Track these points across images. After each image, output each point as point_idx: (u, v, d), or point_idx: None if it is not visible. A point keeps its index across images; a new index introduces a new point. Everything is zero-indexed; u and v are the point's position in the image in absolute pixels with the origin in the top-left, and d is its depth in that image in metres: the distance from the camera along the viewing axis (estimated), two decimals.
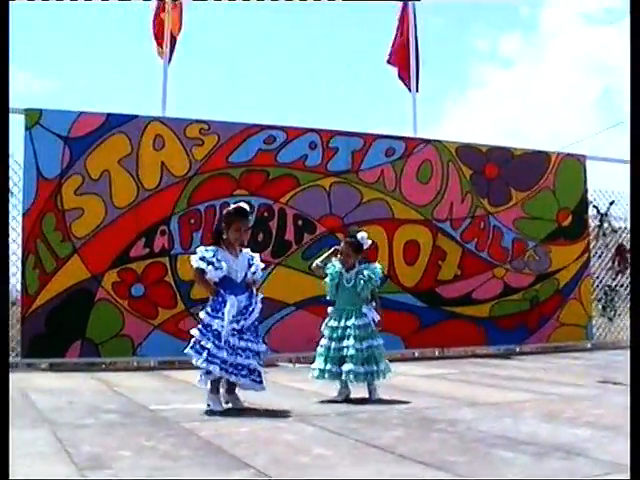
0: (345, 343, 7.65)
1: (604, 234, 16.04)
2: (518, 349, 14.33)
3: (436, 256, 13.50)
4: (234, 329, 6.83)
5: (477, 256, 13.83)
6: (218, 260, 6.98)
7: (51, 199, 11.26)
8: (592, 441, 5.22)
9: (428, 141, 13.77)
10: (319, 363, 7.75)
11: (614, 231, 16.04)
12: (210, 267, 6.97)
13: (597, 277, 15.55)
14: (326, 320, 7.92)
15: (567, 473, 4.34)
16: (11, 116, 11.11)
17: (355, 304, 7.79)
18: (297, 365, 12.17)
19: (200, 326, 7.00)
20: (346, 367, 7.55)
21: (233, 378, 6.88)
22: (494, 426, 5.99)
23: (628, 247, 15.05)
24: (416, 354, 13.57)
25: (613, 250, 15.93)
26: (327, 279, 7.92)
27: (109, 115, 11.73)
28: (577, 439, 5.35)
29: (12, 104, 11.06)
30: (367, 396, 7.67)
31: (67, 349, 11.24)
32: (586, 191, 15.12)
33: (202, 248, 7.16)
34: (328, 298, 7.99)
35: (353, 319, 7.70)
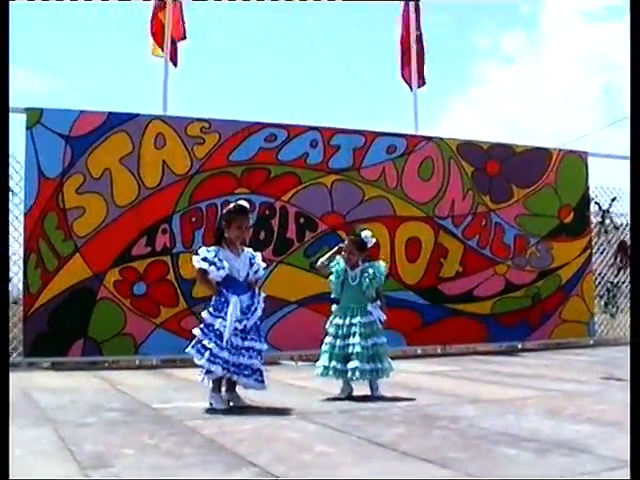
0: (351, 340, 7.65)
1: (606, 231, 16.03)
2: (520, 346, 14.33)
3: (438, 253, 13.49)
4: (237, 329, 6.83)
5: (479, 253, 13.83)
6: (220, 260, 6.98)
7: (52, 198, 11.27)
8: (595, 437, 5.22)
9: (429, 138, 13.77)
10: (324, 360, 7.75)
11: (616, 228, 16.03)
12: (212, 267, 6.96)
13: (599, 274, 15.54)
14: (331, 318, 7.92)
15: (570, 469, 4.34)
16: (12, 115, 11.13)
17: (360, 302, 7.80)
18: (299, 363, 12.18)
19: (202, 326, 7.00)
20: (352, 364, 7.55)
21: (235, 377, 6.89)
22: (496, 423, 5.99)
23: (630, 244, 15.05)
24: (418, 351, 13.58)
25: (615, 247, 15.92)
26: (332, 277, 7.92)
27: (110, 114, 11.73)
28: (580, 435, 5.35)
29: (13, 103, 11.08)
30: (369, 393, 7.67)
31: (69, 348, 11.25)
32: (588, 188, 15.11)
33: (204, 249, 7.15)
34: (333, 296, 7.99)
35: (359, 317, 7.71)
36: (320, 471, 4.36)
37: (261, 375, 7.03)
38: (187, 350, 7.01)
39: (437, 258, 13.49)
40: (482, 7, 56.93)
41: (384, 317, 7.89)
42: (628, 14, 5.36)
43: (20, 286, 11.42)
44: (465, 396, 7.73)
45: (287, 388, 8.58)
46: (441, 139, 13.86)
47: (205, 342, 6.84)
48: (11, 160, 11.39)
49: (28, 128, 11.29)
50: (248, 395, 7.09)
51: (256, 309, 7.07)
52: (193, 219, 11.92)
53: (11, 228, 11.35)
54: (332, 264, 7.93)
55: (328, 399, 7.55)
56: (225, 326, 6.78)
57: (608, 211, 16.03)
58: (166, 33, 12.88)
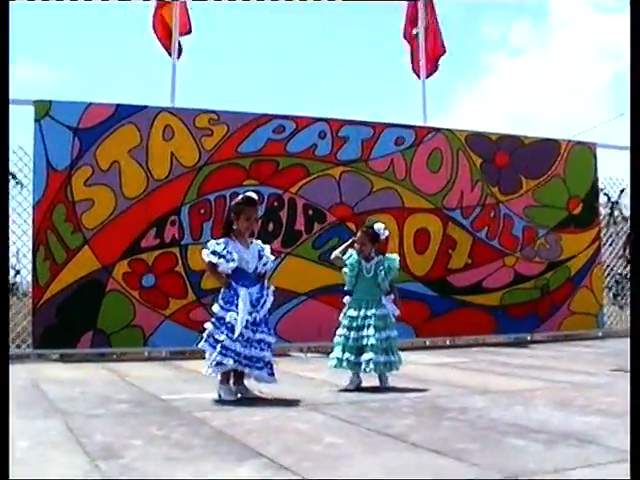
0: (365, 333, 7.65)
1: (615, 222, 16.00)
2: (529, 337, 14.31)
3: (446, 245, 13.48)
4: (247, 321, 6.83)
5: (488, 244, 13.81)
6: (229, 252, 6.98)
7: (61, 190, 11.28)
8: (604, 429, 5.21)
9: (438, 130, 13.74)
10: (337, 352, 7.76)
11: (625, 219, 15.98)
12: (222, 260, 6.96)
13: (608, 265, 15.50)
14: (344, 310, 7.91)
15: (579, 461, 4.33)
16: (20, 108, 11.19)
17: (374, 294, 7.81)
18: (308, 355, 12.19)
19: (214, 319, 6.99)
20: (366, 356, 7.56)
21: (247, 370, 6.88)
22: (505, 414, 5.99)
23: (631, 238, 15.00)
24: (427, 343, 13.58)
25: (624, 238, 15.88)
26: (347, 269, 7.91)
27: (118, 106, 11.73)
28: (589, 427, 5.34)
29: (21, 96, 11.14)
30: (378, 385, 7.68)
31: (78, 340, 11.27)
32: (596, 179, 15.07)
33: (213, 241, 7.15)
34: (346, 288, 7.98)
35: (373, 309, 7.72)
36: (329, 462, 4.36)
37: (272, 368, 7.03)
38: (199, 345, 7.01)
39: (446, 249, 13.48)
40: None
41: (397, 312, 7.90)
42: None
43: (29, 278, 11.43)
44: (474, 387, 7.73)
45: (296, 379, 8.58)
46: (450, 130, 13.83)
47: (216, 335, 6.84)
48: (20, 152, 11.45)
49: (36, 120, 11.30)
50: (257, 387, 7.09)
51: (265, 302, 7.07)
52: (202, 211, 11.92)
53: (20, 220, 11.41)
54: (346, 256, 7.93)
55: (337, 390, 7.55)
56: (236, 319, 6.78)
57: (617, 202, 16.00)
58: (174, 25, 12.86)
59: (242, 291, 6.91)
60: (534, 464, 4.25)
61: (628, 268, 15.77)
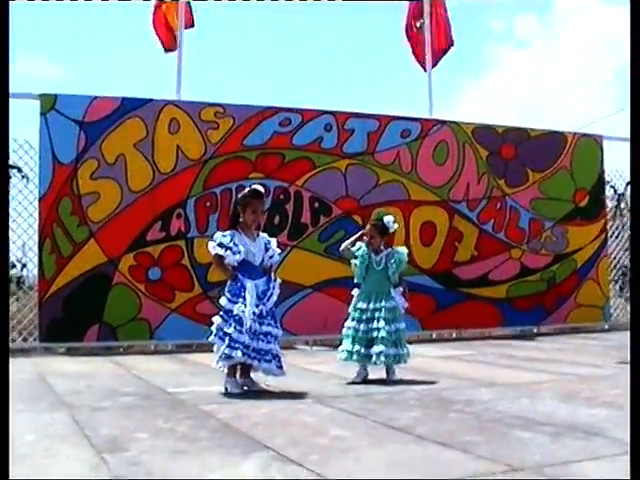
0: (375, 325, 7.66)
1: (621, 214, 15.96)
2: (535, 330, 14.30)
3: (452, 237, 13.46)
4: (254, 314, 6.82)
5: (494, 237, 13.79)
6: (235, 244, 6.98)
7: (67, 184, 11.28)
8: (610, 421, 5.21)
9: (444, 122, 13.72)
10: (347, 344, 7.76)
11: None
12: (228, 252, 6.96)
13: (614, 258, 15.47)
14: (353, 302, 7.91)
15: (585, 453, 4.33)
16: (26, 102, 11.21)
17: (384, 287, 7.81)
18: (314, 348, 12.19)
19: (222, 313, 6.99)
20: (377, 349, 7.56)
21: (256, 363, 6.87)
22: (512, 406, 6.00)
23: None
24: (433, 336, 13.57)
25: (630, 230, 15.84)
26: (357, 261, 7.89)
27: (124, 99, 11.73)
28: (595, 419, 5.34)
29: (27, 90, 11.16)
30: (384, 377, 7.68)
31: (85, 333, 11.28)
32: (603, 171, 15.02)
33: (219, 234, 7.15)
34: (356, 280, 7.97)
35: (383, 302, 7.72)
36: (335, 455, 4.36)
37: (280, 361, 7.03)
38: (210, 339, 7.01)
39: (452, 242, 13.46)
40: None
41: (406, 304, 7.91)
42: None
43: (35, 272, 11.45)
44: (480, 380, 7.74)
45: (302, 372, 8.58)
46: (456, 123, 13.81)
47: (225, 328, 6.84)
48: (25, 146, 11.46)
49: (42, 114, 11.29)
50: (264, 380, 7.10)
51: (272, 294, 7.07)
52: (207, 204, 11.91)
53: (26, 214, 11.43)
54: (355, 248, 7.92)
55: (343, 383, 7.56)
56: (244, 311, 6.78)
57: (623, 194, 15.95)
58: (179, 19, 12.88)
59: (249, 283, 6.92)
60: (540, 456, 4.25)
61: None
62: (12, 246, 11.51)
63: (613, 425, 5.02)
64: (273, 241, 7.36)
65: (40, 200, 11.22)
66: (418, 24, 14.54)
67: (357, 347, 7.66)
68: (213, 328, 6.97)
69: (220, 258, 7.02)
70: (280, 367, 7.02)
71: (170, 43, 13.40)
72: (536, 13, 69.41)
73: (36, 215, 11.26)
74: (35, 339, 11.26)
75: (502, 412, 5.71)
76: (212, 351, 7.09)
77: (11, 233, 11.38)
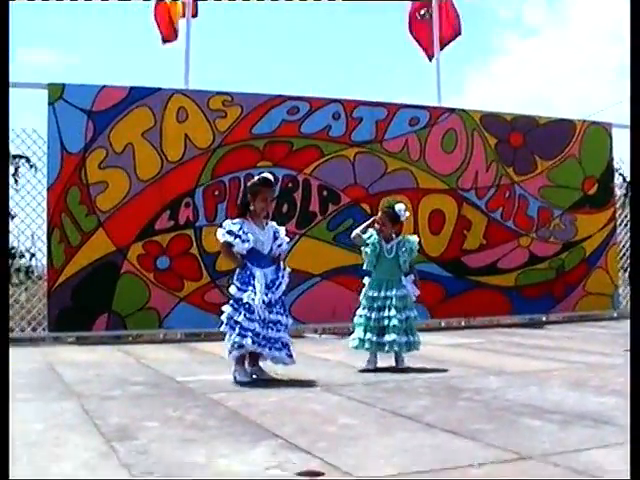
0: (386, 313, 7.65)
1: (630, 202, 15.91)
2: (544, 318, 14.28)
3: (461, 225, 13.44)
4: (263, 302, 6.82)
5: (502, 225, 13.76)
6: (245, 232, 6.97)
7: (75, 173, 11.28)
8: (619, 409, 5.20)
9: (452, 110, 13.69)
10: (359, 333, 7.75)
11: None
12: (237, 240, 6.96)
13: (623, 246, 15.42)
14: (364, 290, 7.89)
15: (594, 441, 4.33)
16: (34, 91, 11.25)
17: (394, 275, 7.81)
18: (323, 336, 12.20)
19: (231, 301, 7.00)
20: (389, 337, 7.56)
21: (266, 351, 6.87)
22: (520, 395, 6.00)
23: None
24: (442, 324, 13.58)
25: None
26: (368, 249, 7.87)
27: (132, 88, 11.72)
28: (604, 407, 5.34)
29: (35, 79, 11.15)
30: (393, 365, 7.68)
31: (94, 322, 11.30)
32: (612, 159, 14.96)
33: (228, 221, 7.15)
34: (366, 268, 7.95)
35: (394, 290, 7.71)
36: (344, 442, 4.37)
37: (289, 350, 7.03)
38: (221, 329, 7.01)
39: (460, 230, 13.44)
40: None
41: (418, 292, 7.91)
42: None
43: (44, 261, 11.46)
44: (489, 368, 7.73)
45: (311, 361, 8.57)
46: (464, 111, 13.77)
47: (235, 317, 6.84)
48: (34, 135, 11.47)
49: (50, 103, 11.29)
50: (272, 368, 7.10)
51: (280, 283, 7.07)
52: (216, 192, 11.91)
53: (34, 203, 11.44)
54: (366, 235, 7.90)
55: (357, 371, 7.57)
56: (254, 299, 6.78)
57: None
58: (187, 7, 12.89)
59: (257, 272, 6.92)
60: (549, 444, 4.25)
61: None
62: (21, 236, 11.53)
63: (622, 413, 5.00)
64: (282, 230, 7.36)
65: (48, 190, 11.23)
66: (422, 12, 14.50)
67: (369, 335, 7.65)
68: (223, 317, 6.97)
69: (229, 246, 7.02)
70: (290, 356, 7.02)
71: (170, 34, 13.41)
72: (545, 0, 69.19)
73: (44, 205, 11.27)
74: (44, 329, 11.29)
75: (511, 400, 5.71)
76: (221, 340, 7.11)
77: (20, 223, 11.43)
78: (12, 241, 11.45)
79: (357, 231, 7.98)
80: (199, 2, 13.30)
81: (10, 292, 11.38)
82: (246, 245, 6.95)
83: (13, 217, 11.31)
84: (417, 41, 14.65)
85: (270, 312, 6.87)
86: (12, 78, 10.74)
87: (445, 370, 7.60)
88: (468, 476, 3.69)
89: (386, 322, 7.62)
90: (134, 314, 11.45)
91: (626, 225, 15.20)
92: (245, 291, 6.86)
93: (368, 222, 8.02)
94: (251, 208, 7.14)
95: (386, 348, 7.60)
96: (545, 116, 14.53)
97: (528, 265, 13.95)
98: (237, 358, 6.93)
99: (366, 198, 12.61)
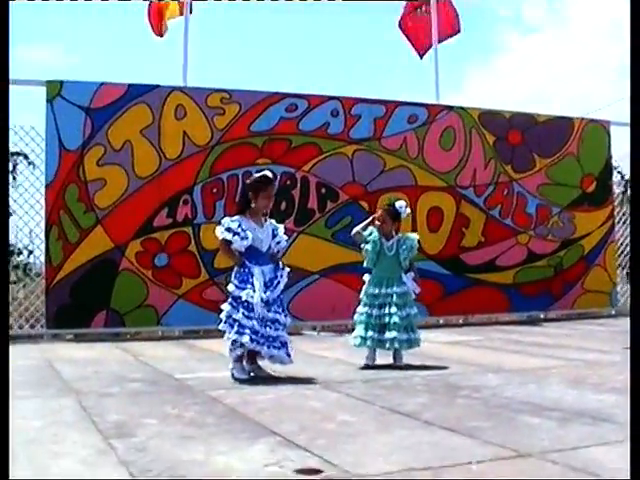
0: (387, 310, 7.66)
1: (629, 200, 15.91)
2: (542, 316, 14.29)
3: (459, 223, 13.44)
4: (261, 300, 6.82)
5: (501, 223, 13.76)
6: (243, 230, 6.96)
7: (73, 170, 11.28)
8: (618, 407, 5.20)
9: (451, 108, 13.69)
10: (360, 330, 7.75)
11: None
12: (236, 237, 6.95)
13: (622, 244, 15.42)
14: (365, 287, 7.89)
15: (593, 438, 4.33)
16: (32, 88, 11.25)
17: (395, 272, 7.80)
18: (321, 333, 12.19)
19: (230, 299, 6.99)
20: (390, 334, 7.57)
21: (265, 350, 6.86)
22: (519, 392, 6.00)
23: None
24: (440, 321, 13.56)
25: None
26: (368, 246, 7.86)
27: (130, 86, 11.72)
28: (603, 405, 5.34)
29: (33, 76, 11.16)
30: (392, 362, 7.68)
31: (92, 319, 11.30)
32: (610, 157, 14.96)
33: (227, 219, 7.14)
34: (366, 265, 7.95)
35: (394, 287, 7.71)
36: (342, 440, 4.36)
37: (288, 349, 7.03)
38: (220, 327, 7.01)
39: (459, 228, 13.44)
40: None
41: (418, 289, 7.91)
42: None
43: (42, 258, 11.45)
44: (488, 365, 7.74)
45: (309, 358, 8.58)
46: (462, 108, 13.78)
47: (234, 315, 6.84)
48: (32, 133, 11.45)
49: (48, 101, 11.28)
50: (271, 366, 7.09)
51: (279, 282, 7.06)
52: (214, 190, 11.91)
53: (32, 200, 11.44)
54: (366, 232, 7.89)
55: (358, 368, 7.57)
56: (252, 296, 6.78)
57: None
58: (186, 3, 12.91)
59: (256, 269, 6.92)
60: (548, 442, 4.25)
61: None
62: (19, 233, 11.53)
63: (621, 411, 5.00)
64: (280, 227, 7.35)
65: (47, 187, 11.23)
66: (422, 8, 14.49)
67: (370, 333, 7.66)
68: (222, 316, 6.97)
69: (227, 243, 7.01)
70: (288, 355, 7.01)
71: (159, 30, 13.52)
72: None
73: (43, 202, 11.28)
74: (42, 326, 11.29)
75: (509, 398, 5.71)
76: (219, 337, 7.11)
77: (18, 220, 11.41)
78: (10, 238, 11.45)
79: (357, 229, 7.98)
80: (195, 1, 13.32)
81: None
82: (245, 243, 6.94)
83: (11, 214, 11.31)
84: (408, 38, 14.64)
85: (268, 310, 6.87)
86: (11, 75, 10.81)
87: (444, 367, 7.59)
88: (467, 473, 3.68)
89: (387, 319, 7.63)
90: (132, 311, 11.45)
91: (624, 223, 15.20)
92: (244, 289, 6.86)
93: (368, 220, 8.01)
94: (252, 205, 7.13)
95: (387, 345, 7.61)
96: (544, 114, 14.53)
97: (526, 263, 13.96)
98: (236, 356, 6.93)
99: (364, 195, 12.61)
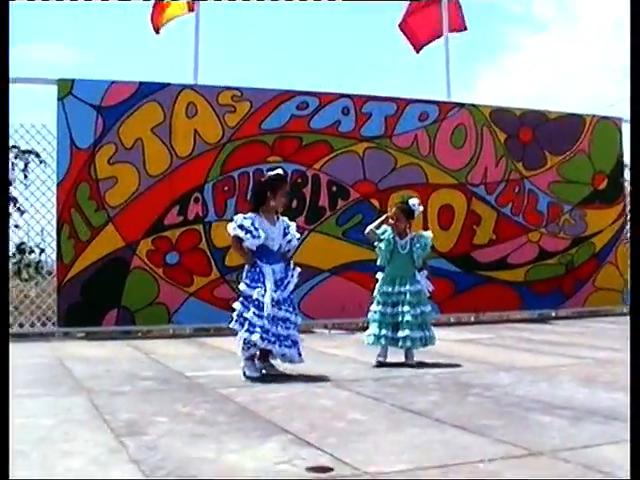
0: (400, 309, 7.65)
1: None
2: (554, 314, 14.26)
3: (471, 220, 13.42)
4: (272, 299, 6.82)
5: (512, 220, 13.74)
6: (256, 228, 6.96)
7: (85, 168, 11.29)
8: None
9: (462, 105, 13.66)
10: (374, 329, 7.75)
11: None
12: (248, 235, 6.95)
13: None
14: (378, 286, 7.89)
15: (605, 437, 4.32)
16: (44, 87, 11.27)
17: (408, 270, 7.80)
18: (332, 331, 12.19)
19: (241, 298, 6.99)
20: (403, 333, 7.57)
21: (276, 348, 6.86)
22: (530, 390, 5.99)
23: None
24: (451, 319, 13.55)
25: None
26: (382, 244, 7.86)
27: (141, 84, 11.73)
28: (615, 403, 5.33)
29: (44, 75, 11.18)
30: (403, 361, 7.67)
31: (103, 317, 11.31)
32: (622, 154, 14.90)
33: (240, 216, 7.13)
34: (379, 263, 7.95)
35: (408, 285, 7.71)
36: (353, 438, 4.36)
37: (299, 348, 7.02)
38: (231, 325, 7.01)
39: (470, 225, 13.42)
40: None
41: (432, 288, 7.90)
42: None
43: (53, 256, 11.46)
44: (499, 364, 7.72)
45: (320, 356, 8.58)
46: (474, 106, 13.75)
47: (245, 313, 6.84)
48: (43, 131, 11.46)
49: (60, 99, 11.29)
50: (282, 364, 7.08)
51: (289, 282, 7.06)
52: (225, 188, 11.91)
53: (44, 199, 11.45)
54: (380, 231, 7.89)
55: (372, 366, 7.58)
56: (264, 295, 6.78)
57: None
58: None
59: (267, 268, 6.92)
60: (559, 440, 4.25)
61: None
62: (30, 231, 11.55)
63: None
64: (293, 225, 7.35)
65: (58, 185, 11.24)
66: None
67: (384, 331, 7.66)
68: (234, 315, 6.97)
69: (239, 240, 7.01)
70: (300, 354, 7.01)
71: (157, 26, 13.59)
72: None
73: (54, 200, 11.28)
74: (54, 324, 11.30)
75: (521, 396, 5.70)
76: (230, 335, 7.13)
77: (29, 218, 11.44)
78: (22, 237, 11.50)
79: (371, 227, 7.97)
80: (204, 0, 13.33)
81: (20, 287, 11.43)
82: (256, 241, 6.94)
83: (23, 212, 11.36)
84: (405, 33, 14.61)
85: (279, 309, 6.87)
86: (22, 74, 10.82)
87: (455, 365, 7.59)
88: (478, 472, 3.68)
89: (400, 318, 7.63)
90: (143, 309, 11.46)
91: None
92: (255, 288, 6.86)
93: (382, 218, 8.02)
94: (272, 204, 7.13)
95: (400, 343, 7.61)
96: (555, 111, 14.49)
97: (538, 260, 13.93)
98: (249, 355, 6.93)
99: (375, 193, 12.60)
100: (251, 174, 11.79)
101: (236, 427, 4.69)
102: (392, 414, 5.10)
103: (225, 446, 4.20)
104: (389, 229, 7.86)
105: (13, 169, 11.40)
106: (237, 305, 6.98)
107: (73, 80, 11.40)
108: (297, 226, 7.58)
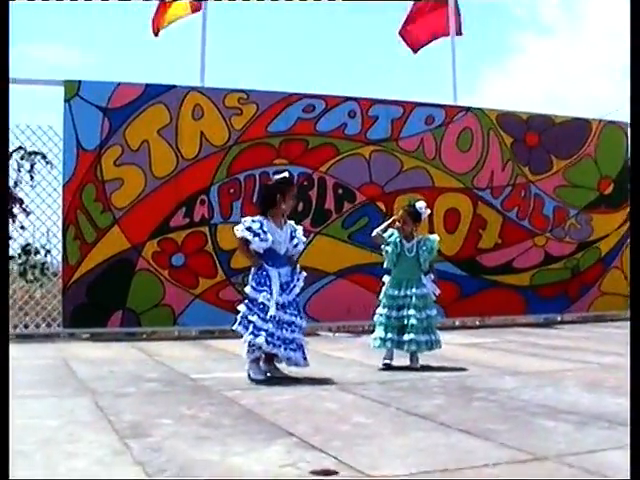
0: (405, 312, 7.65)
1: None
2: (559, 318, 14.24)
3: (476, 224, 13.41)
4: (277, 303, 6.81)
5: (518, 224, 13.72)
6: (264, 232, 6.95)
7: (91, 170, 11.30)
8: None
9: (468, 109, 13.65)
10: (380, 332, 7.76)
11: None
12: (256, 238, 6.94)
13: None
14: (384, 289, 7.90)
15: (611, 442, 4.32)
16: (50, 88, 11.30)
17: (414, 274, 7.80)
18: (337, 334, 12.18)
19: (246, 301, 6.99)
20: (408, 336, 7.58)
21: (282, 352, 6.85)
22: (535, 395, 5.98)
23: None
24: (456, 323, 13.54)
25: None
26: (389, 247, 7.87)
27: (147, 86, 11.73)
28: (620, 408, 5.31)
29: (51, 76, 11.19)
30: (408, 364, 7.67)
31: (108, 319, 11.32)
32: (628, 159, 14.89)
33: (248, 218, 7.12)
34: (386, 266, 7.96)
35: (414, 288, 7.71)
36: (358, 441, 4.36)
37: (304, 352, 7.02)
38: (234, 327, 7.01)
39: (476, 229, 13.41)
40: None
41: (438, 291, 7.90)
42: None
43: (59, 258, 11.47)
44: (504, 368, 7.71)
45: (325, 359, 8.57)
46: (480, 109, 13.74)
47: (250, 316, 6.83)
48: (50, 132, 11.47)
49: (66, 100, 11.30)
50: (287, 367, 7.08)
51: (295, 286, 7.06)
52: (231, 190, 11.91)
53: (50, 200, 11.46)
54: (387, 234, 7.89)
55: (378, 369, 7.58)
56: (269, 299, 6.77)
57: None
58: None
59: (273, 272, 6.91)
60: (565, 445, 4.24)
61: None
62: (36, 232, 11.56)
63: None
64: (299, 229, 7.35)
65: (64, 186, 11.25)
66: None
67: (390, 334, 7.67)
68: (238, 317, 6.97)
69: (246, 242, 7.00)
70: (305, 358, 7.01)
71: (158, 28, 13.63)
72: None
73: (60, 201, 11.29)
74: (59, 325, 11.31)
75: (526, 400, 5.69)
76: (235, 337, 7.12)
77: (35, 219, 11.45)
78: (27, 238, 11.51)
79: (378, 230, 7.97)
80: (209, 0, 13.32)
81: (26, 288, 11.44)
82: (264, 244, 6.94)
83: (29, 214, 11.37)
84: (404, 39, 14.62)
85: (284, 313, 6.87)
86: (22, 74, 10.82)
87: (460, 369, 7.58)
88: (483, 476, 3.68)
89: (405, 321, 7.63)
90: (149, 311, 11.46)
91: None
92: (261, 292, 6.86)
93: (388, 222, 8.02)
94: (283, 206, 7.13)
95: (405, 347, 7.60)
96: (561, 115, 14.48)
97: (543, 265, 13.91)
98: (254, 357, 6.93)
99: (381, 196, 12.59)
100: (257, 177, 11.79)
101: (241, 430, 4.68)
102: (397, 417, 5.10)
103: (230, 449, 4.19)
104: (396, 232, 7.87)
105: (19, 170, 11.41)
106: (242, 307, 6.98)
107: (80, 82, 11.41)
108: (303, 229, 7.57)
